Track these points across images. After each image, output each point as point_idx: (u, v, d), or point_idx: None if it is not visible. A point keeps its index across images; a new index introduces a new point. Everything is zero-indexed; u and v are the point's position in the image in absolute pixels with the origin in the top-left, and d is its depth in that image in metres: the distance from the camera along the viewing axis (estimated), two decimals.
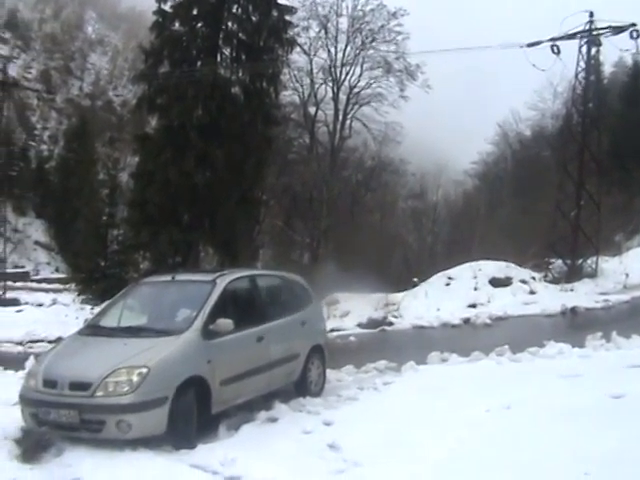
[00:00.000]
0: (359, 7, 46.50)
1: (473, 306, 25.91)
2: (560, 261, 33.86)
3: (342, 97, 47.85)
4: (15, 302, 38.26)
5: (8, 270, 51.69)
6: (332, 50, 47.14)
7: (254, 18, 30.62)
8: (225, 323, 9.32)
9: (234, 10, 30.64)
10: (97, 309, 26.58)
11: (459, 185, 71.41)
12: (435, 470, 7.25)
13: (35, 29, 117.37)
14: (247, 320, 10.10)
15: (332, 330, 19.42)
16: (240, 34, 30.55)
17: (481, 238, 44.76)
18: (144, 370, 8.24)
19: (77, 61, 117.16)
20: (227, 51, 30.63)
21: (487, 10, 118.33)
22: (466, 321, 23.77)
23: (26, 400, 8.83)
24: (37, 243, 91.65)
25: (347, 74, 47.65)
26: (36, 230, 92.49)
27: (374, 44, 47.27)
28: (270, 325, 10.61)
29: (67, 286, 46.21)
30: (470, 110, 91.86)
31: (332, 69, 47.21)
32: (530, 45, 32.34)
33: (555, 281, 31.36)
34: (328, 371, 12.45)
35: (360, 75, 47.70)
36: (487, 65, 72.82)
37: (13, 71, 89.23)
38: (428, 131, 76.56)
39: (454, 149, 76.93)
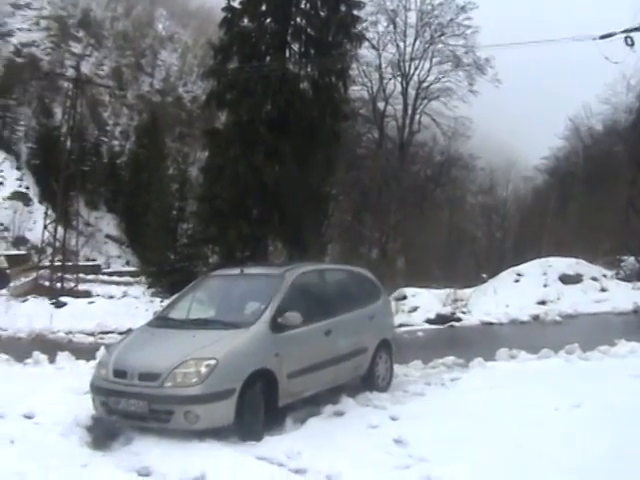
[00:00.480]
0: (428, 1, 46.57)
1: (542, 303, 25.53)
2: (632, 259, 33.21)
3: (411, 92, 47.85)
4: (87, 294, 39.07)
5: (80, 263, 52.69)
6: (401, 44, 47.20)
7: (322, 13, 30.56)
8: (293, 316, 9.33)
9: (302, 5, 30.65)
10: (166, 302, 27.00)
11: (529, 181, 70.47)
12: (502, 468, 7.15)
13: (107, 27, 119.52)
14: (315, 314, 10.09)
15: (400, 325, 19.35)
16: (308, 29, 30.53)
17: (551, 234, 44.06)
18: (212, 362, 8.30)
19: (148, 58, 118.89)
20: (296, 46, 30.63)
21: (558, 2, 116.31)
22: (535, 318, 23.43)
23: (97, 389, 8.99)
24: (108, 237, 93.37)
25: (416, 68, 47.65)
26: (107, 224, 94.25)
27: (443, 38, 47.17)
28: (338, 319, 10.58)
29: (137, 279, 47.02)
30: (541, 104, 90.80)
31: (401, 64, 47.18)
32: (603, 37, 31.40)
33: (627, 279, 30.71)
34: (395, 366, 12.39)
35: (429, 69, 47.68)
36: (558, 58, 71.61)
37: (86, 68, 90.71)
38: (498, 126, 75.87)
39: (524, 144, 76.02)
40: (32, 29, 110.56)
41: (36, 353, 15.30)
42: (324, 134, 29.61)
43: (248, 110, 28.96)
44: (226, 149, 29.45)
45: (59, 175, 45.43)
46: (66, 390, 10.66)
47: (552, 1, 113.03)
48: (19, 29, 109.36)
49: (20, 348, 18.76)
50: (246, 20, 30.62)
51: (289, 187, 28.12)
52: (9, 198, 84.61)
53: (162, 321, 10.23)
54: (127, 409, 8.49)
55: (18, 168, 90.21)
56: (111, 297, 36.90)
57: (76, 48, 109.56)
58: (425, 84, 47.88)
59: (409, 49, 47.28)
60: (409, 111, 47.89)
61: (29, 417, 9.23)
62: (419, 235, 45.29)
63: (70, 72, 73.59)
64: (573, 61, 66.08)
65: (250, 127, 28.89)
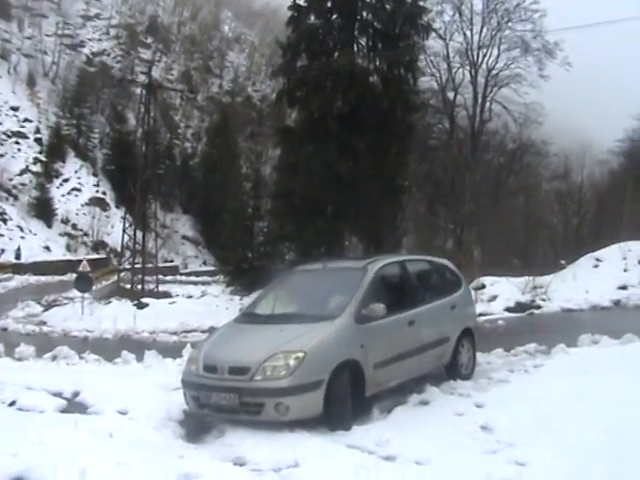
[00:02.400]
0: None
1: (623, 288, 25.04)
2: None
3: (480, 80, 47.42)
4: (167, 295, 39.87)
5: (159, 265, 53.71)
6: (467, 33, 46.85)
7: (388, 6, 30.55)
8: (377, 308, 9.47)
9: (368, 0, 30.72)
10: (246, 299, 27.40)
11: (604, 164, 69.34)
12: (589, 453, 7.15)
13: (174, 32, 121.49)
14: (398, 305, 10.21)
15: (480, 314, 19.28)
16: (375, 23, 30.55)
17: (629, 218, 43.30)
18: (300, 354, 8.48)
19: (216, 60, 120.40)
20: (363, 41, 30.71)
21: None
22: (616, 303, 23.02)
23: (188, 384, 9.26)
24: (184, 238, 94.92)
25: (484, 56, 47.23)
26: (183, 225, 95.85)
27: (510, 24, 46.67)
28: (421, 309, 10.71)
29: (215, 278, 47.69)
30: (613, 86, 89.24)
31: (469, 52, 46.86)
32: None
33: None
34: (478, 354, 12.44)
35: (497, 56, 47.18)
36: (630, 39, 70.26)
37: (156, 73, 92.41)
38: (570, 110, 74.84)
39: (598, 127, 74.87)
40: (102, 38, 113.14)
41: (124, 352, 15.80)
42: (396, 127, 29.53)
43: (319, 106, 29.08)
44: (299, 146, 29.67)
45: (135, 179, 46.34)
46: (156, 387, 10.99)
47: None
48: (90, 39, 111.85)
49: (108, 348, 19.36)
50: (313, 17, 30.80)
51: (363, 181, 28.18)
52: (87, 204, 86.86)
53: (249, 317, 10.46)
54: (218, 403, 8.74)
55: (94, 174, 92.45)
56: (190, 297, 37.59)
57: (145, 54, 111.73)
58: (494, 71, 47.38)
59: (476, 37, 46.92)
60: (479, 99, 47.48)
61: (123, 413, 9.54)
62: (494, 224, 44.99)
63: (141, 78, 75.09)
64: None
65: (322, 123, 29.00)
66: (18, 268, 57.80)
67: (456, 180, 44.59)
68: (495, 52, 47.07)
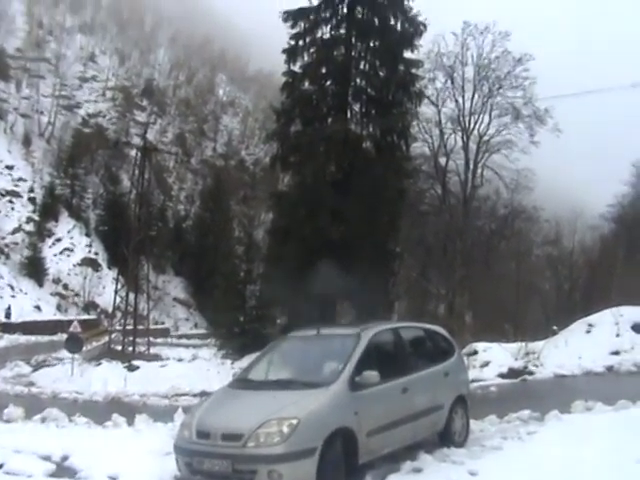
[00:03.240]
0: (484, 55, 46.53)
1: (616, 353, 25.01)
2: None
3: (472, 146, 47.72)
4: (158, 357, 39.53)
5: (150, 327, 53.38)
6: (459, 99, 47.28)
7: (381, 73, 31.08)
8: (371, 375, 9.49)
9: (362, 67, 31.23)
10: (237, 364, 27.25)
11: (595, 230, 69.47)
12: None
13: (170, 95, 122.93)
14: (392, 372, 10.23)
15: (473, 380, 19.22)
16: (369, 90, 31.05)
17: (620, 283, 43.43)
18: (294, 421, 8.46)
19: (210, 123, 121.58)
20: (357, 107, 31.13)
21: (615, 51, 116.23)
22: (609, 369, 23.00)
23: (181, 450, 9.19)
24: (176, 300, 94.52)
25: (476, 122, 47.58)
26: (175, 287, 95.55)
27: (501, 91, 47.15)
28: (414, 376, 10.72)
29: (206, 341, 47.39)
30: (603, 151, 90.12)
31: (461, 118, 47.27)
32: None
33: None
34: (471, 421, 12.40)
35: (489, 123, 47.54)
36: (617, 104, 71.31)
37: (150, 136, 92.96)
38: (561, 175, 75.46)
39: (589, 192, 75.41)
40: (98, 100, 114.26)
41: (115, 416, 15.63)
42: (388, 193, 29.78)
43: (312, 172, 29.38)
44: (291, 211, 29.87)
45: (128, 241, 46.34)
46: (147, 451, 10.93)
47: (609, 51, 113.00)
48: (86, 101, 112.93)
49: (98, 411, 19.15)
50: (307, 83, 31.30)
51: (355, 246, 28.31)
52: (79, 264, 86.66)
53: (242, 383, 10.46)
54: (211, 469, 8.67)
55: (87, 235, 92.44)
56: (181, 360, 37.24)
57: (140, 116, 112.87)
58: (486, 137, 47.73)
59: (468, 103, 47.34)
60: (471, 165, 47.78)
61: (114, 478, 9.50)
62: (486, 289, 44.98)
63: (136, 140, 75.70)
64: (633, 106, 65.76)
65: (314, 188, 29.22)
66: (8, 327, 57.38)
67: (448, 246, 44.78)
68: (486, 118, 47.51)
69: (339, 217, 28.76)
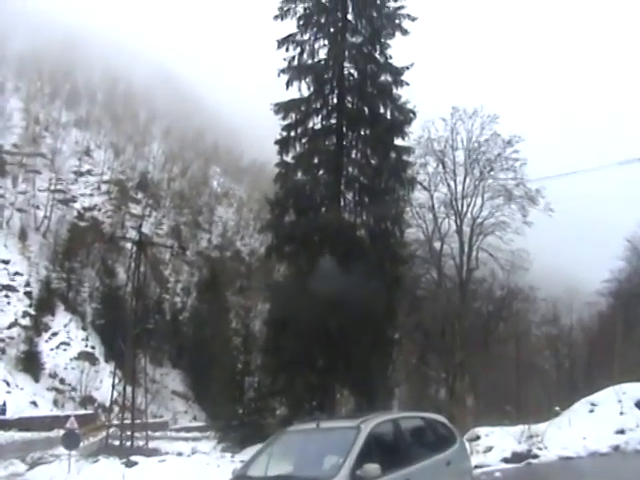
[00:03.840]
0: (474, 139, 47.05)
1: (621, 432, 24.61)
2: None
3: (466, 229, 47.86)
4: (156, 452, 38.96)
5: (148, 420, 52.77)
6: (451, 183, 47.59)
7: (373, 161, 31.43)
8: (372, 468, 9.28)
9: (353, 155, 31.62)
10: (238, 456, 26.81)
11: (593, 306, 69.36)
12: None
13: (164, 188, 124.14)
14: (393, 463, 10.03)
15: (477, 466, 18.93)
16: (361, 178, 31.35)
17: (621, 359, 43.18)
18: None
19: (205, 215, 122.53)
20: (350, 195, 31.37)
21: (602, 129, 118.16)
22: (615, 448, 22.60)
23: None
24: (174, 393, 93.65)
25: (469, 206, 47.80)
26: (173, 380, 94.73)
27: (492, 173, 47.53)
28: (416, 467, 10.49)
29: (205, 434, 46.75)
30: (596, 227, 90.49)
31: (453, 202, 47.53)
32: None
33: None
34: None
35: (482, 205, 47.78)
36: (608, 182, 71.94)
37: (145, 228, 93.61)
38: (555, 253, 75.56)
39: (584, 269, 75.40)
40: (94, 194, 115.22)
41: None
42: (384, 280, 29.78)
43: (307, 262, 29.44)
44: (288, 301, 29.74)
45: (125, 334, 46.19)
46: None
47: (596, 128, 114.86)
48: (82, 194, 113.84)
49: None
50: (300, 173, 31.57)
51: (353, 335, 28.19)
52: (76, 358, 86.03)
53: (242, 479, 10.25)
54: None
55: (84, 328, 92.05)
56: (180, 454, 36.70)
57: (136, 209, 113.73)
58: (479, 220, 47.94)
59: (460, 187, 47.62)
60: (465, 249, 47.88)
61: None
62: (486, 372, 44.63)
63: (131, 233, 75.98)
64: (623, 182, 66.31)
65: (310, 277, 29.22)
66: (3, 424, 56.70)
67: (446, 329, 44.57)
68: (479, 201, 47.77)
69: (335, 306, 28.62)
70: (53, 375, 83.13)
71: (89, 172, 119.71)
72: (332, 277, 29.12)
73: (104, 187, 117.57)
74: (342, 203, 31.13)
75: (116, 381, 47.83)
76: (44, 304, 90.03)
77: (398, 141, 31.93)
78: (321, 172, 31.59)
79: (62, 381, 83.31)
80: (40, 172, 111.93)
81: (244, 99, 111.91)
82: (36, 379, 79.98)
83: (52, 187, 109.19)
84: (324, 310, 28.20)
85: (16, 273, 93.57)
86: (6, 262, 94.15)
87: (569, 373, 61.81)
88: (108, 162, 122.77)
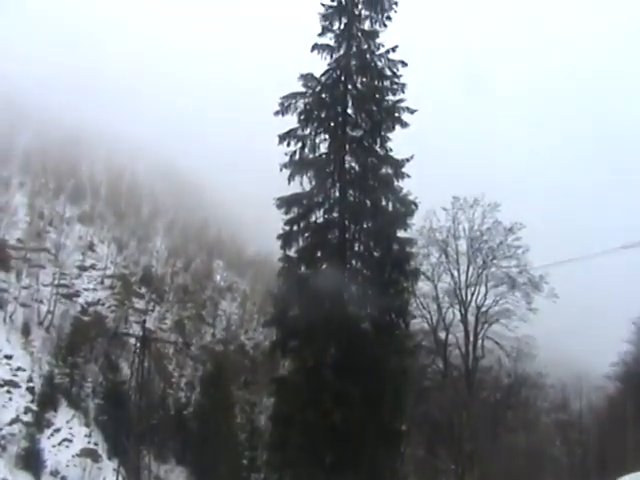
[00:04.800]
0: (476, 228, 47.48)
1: None
2: None
3: (470, 318, 47.85)
4: None
5: None
6: (455, 273, 47.78)
7: (376, 254, 31.51)
8: None
9: (356, 248, 31.71)
10: None
11: (602, 390, 68.65)
12: None
13: (168, 282, 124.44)
14: None
15: None
16: (365, 271, 31.37)
17: (634, 443, 42.58)
18: None
19: (208, 309, 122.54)
20: (354, 288, 31.28)
21: (604, 213, 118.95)
22: None
23: None
24: None
25: (473, 294, 47.91)
26: (177, 477, 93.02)
27: (495, 261, 47.81)
28: None
29: None
30: (603, 311, 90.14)
31: (457, 291, 47.63)
32: None
33: None
34: None
35: (486, 294, 47.91)
36: (612, 266, 71.98)
37: (149, 323, 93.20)
38: (562, 339, 75.10)
39: (592, 353, 74.89)
40: (97, 288, 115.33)
41: None
42: (390, 371, 29.63)
43: (312, 356, 29.31)
44: (293, 396, 29.59)
45: (128, 430, 45.79)
46: None
47: (595, 212, 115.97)
48: (85, 289, 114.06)
49: None
50: (303, 267, 31.57)
51: (359, 429, 27.86)
52: (78, 455, 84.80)
53: None
54: None
55: (86, 425, 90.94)
56: None
57: (139, 304, 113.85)
58: (483, 309, 47.94)
59: (463, 276, 47.79)
60: (471, 337, 47.74)
61: None
62: (496, 462, 43.97)
63: (135, 327, 75.84)
64: (627, 265, 66.31)
65: (315, 372, 29.18)
66: None
67: (454, 420, 44.08)
68: (483, 289, 47.88)
69: (342, 400, 28.34)
70: (55, 473, 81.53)
71: (93, 267, 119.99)
72: (337, 371, 29.08)
73: (107, 282, 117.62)
74: (346, 296, 31.02)
75: (119, 479, 47.14)
76: (46, 400, 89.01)
77: (400, 233, 32.00)
78: (324, 266, 31.60)
79: (64, 479, 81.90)
80: (44, 267, 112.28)
81: (246, 192, 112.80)
82: (37, 477, 78.48)
83: (56, 282, 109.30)
84: (329, 405, 27.95)
85: (18, 368, 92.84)
86: (9, 357, 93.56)
87: (581, 460, 60.91)
88: (111, 257, 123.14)
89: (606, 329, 73.94)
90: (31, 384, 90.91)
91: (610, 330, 69.49)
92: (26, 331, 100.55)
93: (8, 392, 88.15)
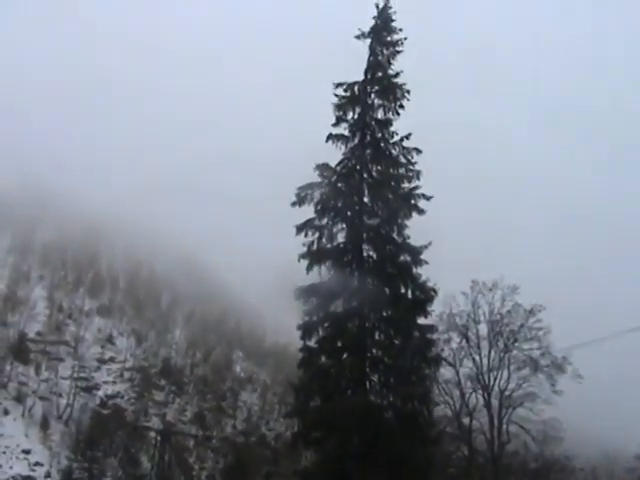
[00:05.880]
0: (496, 311, 47.24)
1: None
2: None
3: (494, 402, 47.25)
4: None
5: None
6: (476, 357, 47.40)
7: (397, 342, 31.23)
8: None
9: (377, 337, 31.44)
10: None
11: (633, 472, 67.21)
12: None
13: (187, 373, 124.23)
14: None
15: None
16: (386, 359, 31.04)
17: None
18: None
19: (229, 400, 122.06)
20: (375, 377, 30.96)
21: (623, 292, 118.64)
22: None
23: None
24: None
25: (495, 379, 47.39)
26: None
27: (517, 344, 47.43)
28: None
29: None
30: (630, 389, 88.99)
31: (479, 376, 47.15)
32: None
33: None
34: None
35: (508, 377, 47.38)
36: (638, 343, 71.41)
37: (169, 415, 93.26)
38: (589, 419, 74.10)
39: (621, 433, 73.63)
40: (116, 381, 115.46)
41: None
42: (414, 461, 29.10)
43: (335, 447, 28.89)
44: None
45: None
46: None
47: (618, 288, 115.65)
48: (104, 382, 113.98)
49: None
50: (324, 357, 31.32)
51: None
52: None
53: None
54: None
55: None
56: None
57: (159, 396, 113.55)
58: (507, 392, 47.34)
59: (485, 360, 47.37)
60: (495, 422, 47.00)
61: None
62: None
63: (154, 420, 75.15)
64: None
65: (339, 463, 28.67)
66: None
67: None
68: (505, 373, 47.37)
69: None
70: None
71: (112, 359, 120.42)
72: (361, 462, 28.61)
73: (127, 374, 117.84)
74: (368, 385, 30.72)
75: None
76: None
77: (421, 320, 31.80)
78: (345, 355, 31.36)
79: None
80: (63, 360, 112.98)
81: (264, 282, 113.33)
82: None
83: (75, 375, 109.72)
84: None
85: (37, 463, 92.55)
86: (27, 452, 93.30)
87: None
88: (131, 349, 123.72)
89: (635, 407, 72.92)
90: (49, 479, 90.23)
91: (638, 408, 68.56)
92: (45, 425, 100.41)
93: None
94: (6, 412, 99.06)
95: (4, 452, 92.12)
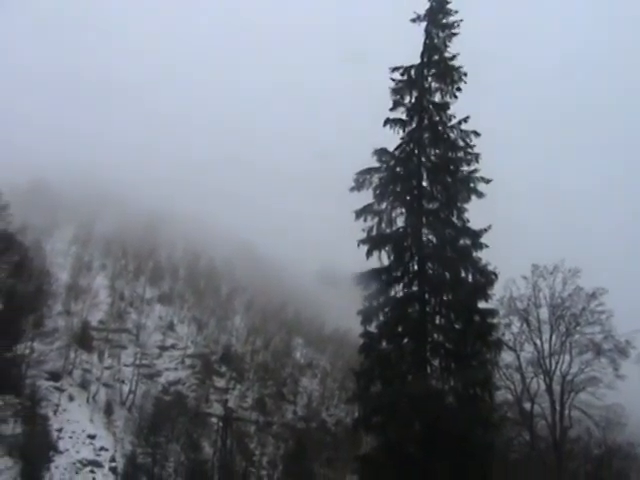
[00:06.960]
0: (557, 295, 46.85)
1: None
2: None
3: (556, 387, 46.87)
4: None
5: None
6: (537, 342, 47.05)
7: (457, 326, 30.97)
8: None
9: (437, 321, 31.24)
10: None
11: None
12: None
13: (248, 360, 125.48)
14: None
15: None
16: (446, 344, 30.79)
17: None
18: None
19: (289, 386, 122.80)
20: (436, 362, 30.73)
21: None
22: None
23: None
24: None
25: (557, 363, 47.04)
26: None
27: (579, 328, 46.98)
28: None
29: None
30: None
31: (541, 360, 46.79)
32: None
33: None
34: None
35: (570, 362, 46.99)
36: None
37: (230, 401, 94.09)
38: None
39: None
40: (178, 368, 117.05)
41: None
42: (476, 446, 28.91)
43: (396, 432, 28.84)
44: (377, 474, 29.08)
45: None
46: None
47: None
48: (166, 369, 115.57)
49: None
50: (384, 343, 31.25)
51: None
52: None
53: None
54: None
55: None
56: None
57: (220, 383, 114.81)
58: (569, 377, 46.90)
59: (546, 345, 47.01)
60: (557, 407, 46.58)
61: None
62: None
63: (215, 406, 75.90)
64: None
65: (400, 448, 28.63)
66: None
67: None
68: (567, 358, 46.96)
69: (427, 476, 27.86)
70: None
71: (173, 346, 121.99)
72: (422, 447, 28.57)
73: (188, 361, 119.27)
74: (429, 370, 30.53)
75: None
76: (129, 479, 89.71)
77: (481, 304, 31.46)
78: (406, 340, 31.27)
79: None
80: (125, 347, 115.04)
81: (323, 269, 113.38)
82: None
83: (137, 362, 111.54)
84: None
85: (102, 448, 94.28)
86: (92, 437, 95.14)
87: None
88: (191, 336, 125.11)
89: None
90: (114, 464, 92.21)
91: None
92: (109, 411, 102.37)
93: (91, 472, 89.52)
94: (71, 398, 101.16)
95: (70, 437, 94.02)
